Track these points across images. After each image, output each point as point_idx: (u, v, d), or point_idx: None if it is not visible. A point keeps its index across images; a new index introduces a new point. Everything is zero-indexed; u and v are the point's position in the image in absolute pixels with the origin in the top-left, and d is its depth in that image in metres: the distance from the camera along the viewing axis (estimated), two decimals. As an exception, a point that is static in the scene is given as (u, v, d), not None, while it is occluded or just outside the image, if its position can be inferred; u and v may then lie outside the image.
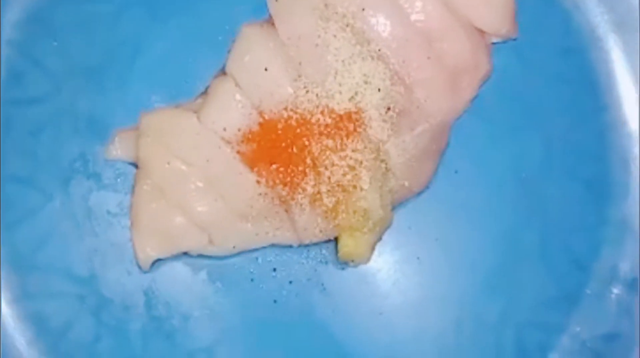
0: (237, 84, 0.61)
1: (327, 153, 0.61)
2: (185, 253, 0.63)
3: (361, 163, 0.61)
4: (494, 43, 0.65)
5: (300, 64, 0.61)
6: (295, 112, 0.61)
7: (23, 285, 0.63)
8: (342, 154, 0.61)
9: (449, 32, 0.62)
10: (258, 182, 0.61)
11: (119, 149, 0.64)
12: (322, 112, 0.61)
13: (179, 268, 0.64)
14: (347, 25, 0.61)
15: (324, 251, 0.64)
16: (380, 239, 0.64)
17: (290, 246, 0.64)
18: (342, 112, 0.61)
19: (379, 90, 0.61)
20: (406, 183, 0.63)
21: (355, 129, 0.61)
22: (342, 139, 0.61)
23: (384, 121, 0.61)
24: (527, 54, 0.67)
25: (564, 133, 0.67)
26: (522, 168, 0.66)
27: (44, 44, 0.65)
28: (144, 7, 0.66)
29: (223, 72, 0.63)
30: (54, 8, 0.66)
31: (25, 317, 0.63)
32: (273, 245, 0.64)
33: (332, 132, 0.61)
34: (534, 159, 0.66)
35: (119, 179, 0.65)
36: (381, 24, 0.61)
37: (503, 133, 0.66)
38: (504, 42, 0.66)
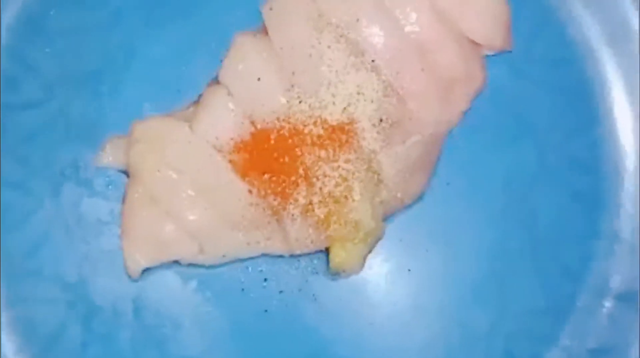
0: (229, 93, 0.61)
1: (320, 163, 0.60)
2: (175, 262, 0.63)
3: (353, 173, 0.61)
4: (488, 55, 0.65)
5: (293, 74, 0.60)
6: (288, 123, 0.61)
7: (13, 291, 0.63)
8: (334, 165, 0.60)
9: (443, 44, 0.62)
10: (250, 191, 0.61)
11: (110, 156, 0.64)
12: (314, 123, 0.61)
13: (169, 277, 0.64)
14: (341, 36, 0.61)
15: (315, 262, 0.64)
16: (371, 250, 0.63)
17: (282, 256, 0.63)
18: (334, 123, 0.61)
19: (372, 101, 0.61)
20: (398, 194, 0.63)
21: (347, 140, 0.61)
22: (334, 150, 0.60)
23: (377, 132, 0.61)
24: (520, 65, 0.67)
25: (557, 145, 0.66)
26: (515, 180, 0.66)
27: (38, 50, 0.65)
28: (138, 14, 0.66)
29: (216, 81, 0.62)
30: (48, 13, 0.65)
31: (15, 323, 0.62)
32: (264, 255, 0.63)
33: (325, 142, 0.60)
34: (526, 171, 0.66)
35: (110, 187, 0.64)
36: (375, 35, 0.60)
37: (496, 145, 0.66)
38: (498, 54, 0.66)
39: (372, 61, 0.61)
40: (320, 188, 0.60)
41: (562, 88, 0.67)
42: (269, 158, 0.60)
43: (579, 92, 0.67)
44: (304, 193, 0.61)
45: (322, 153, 0.60)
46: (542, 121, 0.66)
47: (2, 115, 0.64)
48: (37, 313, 0.62)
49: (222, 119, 0.61)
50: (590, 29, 0.67)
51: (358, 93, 0.61)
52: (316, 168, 0.60)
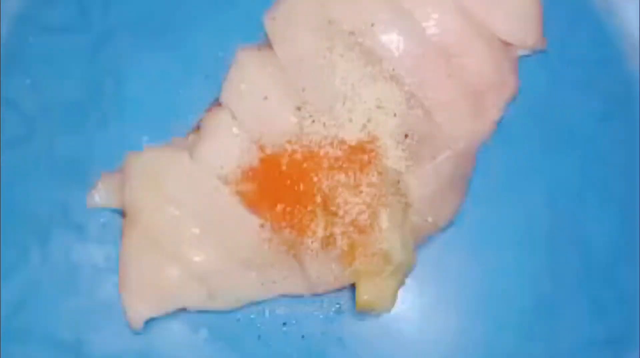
0: (233, 116, 0.59)
1: (339, 189, 0.58)
2: (182, 310, 0.60)
3: (378, 199, 0.58)
4: (519, 57, 0.62)
5: (303, 90, 0.58)
6: (301, 145, 0.58)
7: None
8: (356, 190, 0.58)
9: (470, 46, 0.59)
10: (262, 226, 0.58)
11: (103, 195, 0.62)
12: (331, 144, 0.58)
13: (177, 327, 0.61)
14: (355, 44, 0.58)
15: (339, 301, 0.61)
16: (403, 284, 0.60)
17: (302, 297, 0.61)
18: (353, 143, 0.58)
19: (395, 115, 0.58)
20: (429, 219, 0.60)
21: (369, 161, 0.58)
22: (355, 173, 0.58)
23: (402, 149, 0.59)
24: (556, 67, 0.64)
25: (600, 154, 0.63)
26: (559, 196, 0.63)
27: (16, 82, 0.63)
28: (126, 36, 0.64)
29: (218, 103, 0.60)
30: (25, 41, 0.63)
31: None
32: (282, 296, 0.60)
33: (344, 165, 0.58)
34: (569, 185, 0.63)
35: (104, 230, 0.62)
36: (393, 41, 0.58)
37: (534, 157, 0.63)
38: (531, 55, 0.63)
39: (392, 69, 0.58)
40: (342, 217, 0.58)
41: (604, 90, 0.64)
42: (282, 187, 0.58)
43: (623, 94, 0.64)
44: (323, 224, 0.58)
45: (342, 177, 0.58)
46: (583, 128, 0.64)
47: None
48: (27, 381, 0.59)
49: (227, 145, 0.59)
50: (632, 23, 0.64)
51: (378, 107, 0.58)
52: (335, 194, 0.58)
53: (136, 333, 0.60)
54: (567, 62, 0.64)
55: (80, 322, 0.60)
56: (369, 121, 0.58)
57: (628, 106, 0.64)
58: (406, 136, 0.58)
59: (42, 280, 0.60)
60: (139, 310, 0.59)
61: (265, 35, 0.60)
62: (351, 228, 0.58)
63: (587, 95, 0.64)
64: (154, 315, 0.59)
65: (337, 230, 0.58)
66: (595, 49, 0.64)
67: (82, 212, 0.62)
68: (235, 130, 0.58)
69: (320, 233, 0.58)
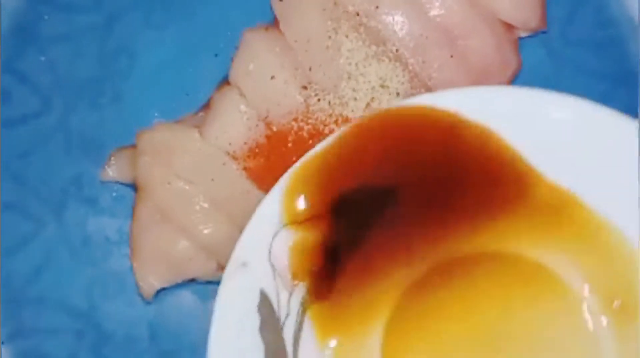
0: (241, 95, 0.58)
1: None
2: (192, 280, 0.60)
3: None
4: (521, 38, 0.62)
5: (310, 69, 0.58)
6: (307, 123, 0.58)
7: (17, 321, 0.60)
8: None
9: (473, 27, 0.58)
10: None
11: (115, 170, 0.62)
12: (336, 122, 0.58)
13: (186, 297, 0.61)
14: (360, 25, 0.58)
15: None
16: None
17: None
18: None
19: (398, 94, 0.58)
20: None
21: None
22: None
23: None
24: (558, 48, 0.63)
25: None
26: None
27: (31, 59, 0.63)
28: (138, 14, 0.63)
29: (226, 82, 0.60)
30: (40, 20, 0.63)
31: (21, 356, 0.59)
32: None
33: None
34: None
35: (117, 203, 0.62)
36: (397, 22, 0.57)
37: None
38: (532, 35, 0.62)
39: (396, 49, 0.58)
40: None
41: (605, 72, 0.63)
42: (288, 163, 0.56)
43: (625, 75, 0.63)
44: None
45: None
46: (584, 109, 0.62)
47: (-2, 130, 0.62)
48: (43, 345, 0.60)
49: (235, 122, 0.58)
50: (635, 4, 0.63)
51: (382, 86, 0.58)
52: None
53: (147, 303, 0.60)
54: (568, 43, 0.63)
55: (94, 291, 0.61)
56: (372, 99, 0.57)
57: (627, 88, 0.63)
58: (409, 114, 0.57)
59: (57, 250, 0.61)
60: (150, 280, 0.59)
61: (273, 16, 0.59)
62: (354, 204, 0.57)
63: (587, 76, 0.63)
64: (164, 285, 0.60)
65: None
66: (597, 31, 0.63)
67: (95, 186, 0.62)
68: (243, 108, 0.58)
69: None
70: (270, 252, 0.52)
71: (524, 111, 0.53)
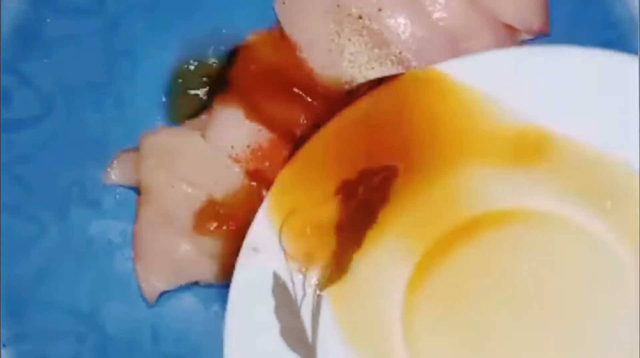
0: (244, 98, 0.59)
1: None
2: (195, 283, 0.60)
3: None
4: (523, 40, 0.61)
5: (312, 71, 0.58)
6: (309, 124, 0.57)
7: (18, 324, 0.59)
8: None
9: (476, 30, 0.58)
10: None
11: (118, 173, 0.62)
12: None
13: (189, 300, 0.61)
14: (363, 28, 0.58)
15: None
16: None
17: None
18: None
19: None
20: None
21: None
22: None
23: None
24: None
25: None
26: None
27: (34, 61, 0.62)
28: (140, 17, 0.63)
29: (229, 84, 0.60)
30: (42, 22, 0.63)
31: None
32: None
33: None
34: None
35: (120, 206, 0.62)
36: (400, 24, 0.58)
37: None
38: (535, 38, 0.62)
39: (399, 52, 0.58)
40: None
41: None
42: None
43: None
44: None
45: None
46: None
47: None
48: (44, 348, 0.59)
49: (237, 126, 0.58)
50: (637, 7, 0.62)
51: None
52: None
53: (150, 306, 0.60)
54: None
55: (96, 294, 0.60)
56: None
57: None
58: (412, 118, 0.57)
59: (60, 253, 0.60)
60: (153, 283, 0.59)
61: (276, 19, 0.59)
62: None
63: (591, 78, 0.62)
64: (167, 288, 0.60)
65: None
66: (599, 31, 0.62)
67: (98, 189, 0.62)
68: (246, 111, 0.58)
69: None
70: (281, 237, 0.52)
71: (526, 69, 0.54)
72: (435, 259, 0.52)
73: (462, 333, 0.52)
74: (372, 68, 0.57)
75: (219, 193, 0.58)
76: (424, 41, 0.58)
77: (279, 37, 0.59)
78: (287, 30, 0.58)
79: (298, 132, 0.57)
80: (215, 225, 0.58)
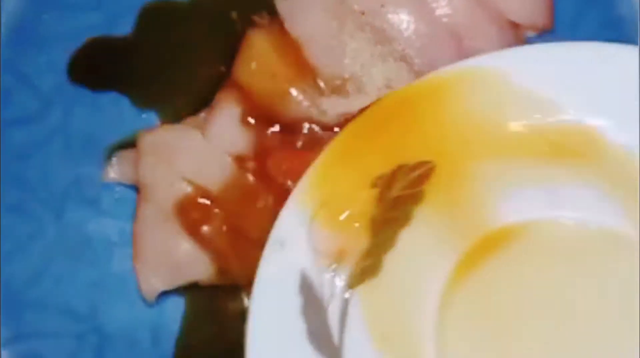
0: (244, 94, 0.58)
1: None
2: (194, 284, 0.60)
3: None
4: (528, 37, 0.61)
5: (313, 69, 0.58)
6: (311, 123, 0.58)
7: (17, 324, 0.59)
8: None
9: (480, 27, 0.58)
10: (270, 202, 0.58)
11: (117, 171, 0.61)
12: (340, 122, 0.57)
13: (188, 300, 0.61)
14: (366, 24, 0.58)
15: None
16: None
17: None
18: None
19: None
20: None
21: None
22: None
23: None
24: None
25: None
26: None
27: (32, 60, 0.62)
28: (138, 15, 0.63)
29: (229, 82, 0.60)
30: (40, 20, 0.62)
31: None
32: None
33: None
34: None
35: (118, 204, 0.61)
36: (403, 21, 0.57)
37: None
38: (539, 35, 0.61)
39: (402, 49, 0.58)
40: None
41: None
42: (291, 163, 0.57)
43: None
44: None
45: None
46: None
47: (-2, 131, 0.62)
48: (43, 349, 0.59)
49: (237, 123, 0.58)
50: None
51: (387, 86, 0.57)
52: None
53: (149, 305, 0.60)
54: None
55: (94, 293, 0.60)
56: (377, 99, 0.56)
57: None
58: (415, 115, 0.57)
59: (58, 252, 0.60)
60: (153, 282, 0.59)
61: (277, 14, 0.59)
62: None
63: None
64: (167, 287, 0.59)
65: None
66: (603, 30, 0.62)
67: (96, 187, 0.61)
68: (246, 108, 0.58)
69: (329, 209, 0.57)
70: (310, 231, 0.50)
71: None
72: (469, 264, 0.50)
73: (494, 342, 0.50)
74: (375, 65, 0.57)
75: (218, 190, 0.58)
76: (427, 38, 0.58)
77: (280, 33, 0.58)
78: (289, 26, 0.58)
79: (298, 130, 0.57)
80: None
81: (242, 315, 0.59)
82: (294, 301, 0.49)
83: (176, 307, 0.60)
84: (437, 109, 0.51)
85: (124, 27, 0.63)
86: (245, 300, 0.60)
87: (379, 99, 0.52)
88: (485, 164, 0.50)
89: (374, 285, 0.49)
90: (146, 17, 0.63)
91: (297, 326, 0.48)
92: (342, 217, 0.49)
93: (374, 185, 0.50)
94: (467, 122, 0.51)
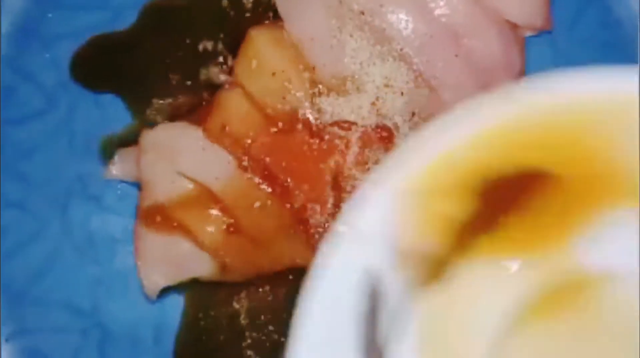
0: (245, 92, 0.58)
1: (348, 166, 0.57)
2: (196, 280, 0.59)
3: None
4: (526, 37, 0.61)
5: (313, 68, 0.57)
6: (310, 122, 0.57)
7: (19, 320, 0.59)
8: (365, 166, 0.57)
9: (478, 27, 0.58)
10: (271, 201, 0.57)
11: (120, 168, 0.61)
12: (339, 121, 0.57)
13: (190, 297, 0.61)
14: (365, 24, 0.57)
15: None
16: None
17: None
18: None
19: (402, 94, 0.57)
20: None
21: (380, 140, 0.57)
22: (363, 151, 0.57)
23: (409, 127, 0.57)
24: (563, 48, 0.63)
25: None
26: None
27: (35, 57, 0.62)
28: (141, 13, 0.63)
29: (230, 80, 0.60)
30: (44, 18, 0.63)
31: (23, 356, 0.59)
32: (290, 268, 0.59)
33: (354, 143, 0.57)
34: None
35: (121, 201, 0.62)
36: (402, 21, 0.57)
37: None
38: (537, 35, 0.62)
39: (400, 49, 0.57)
40: (350, 192, 0.57)
41: None
42: (291, 161, 0.57)
43: None
44: (332, 200, 0.57)
45: (351, 155, 0.57)
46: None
47: (0, 129, 0.61)
48: (45, 345, 0.59)
49: (238, 120, 0.58)
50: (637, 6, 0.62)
51: (386, 85, 0.57)
52: (344, 170, 0.57)
53: (151, 302, 0.60)
54: (573, 43, 0.62)
55: (97, 290, 0.60)
56: (377, 99, 0.57)
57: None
58: (413, 114, 0.57)
59: (61, 249, 0.60)
60: (154, 278, 0.59)
61: (278, 14, 0.59)
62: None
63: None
64: (168, 284, 0.59)
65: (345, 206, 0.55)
66: (602, 30, 0.63)
67: (99, 184, 0.61)
68: (247, 106, 0.58)
69: (329, 208, 0.57)
70: (390, 223, 0.41)
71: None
72: (540, 301, 0.41)
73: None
74: (374, 64, 0.57)
75: (219, 188, 0.58)
76: (425, 38, 0.57)
77: (281, 32, 0.58)
78: (289, 26, 0.58)
79: (297, 128, 0.57)
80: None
81: (241, 312, 0.60)
82: (353, 303, 0.41)
83: (178, 304, 0.61)
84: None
85: (128, 26, 0.63)
86: (245, 298, 0.60)
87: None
88: (592, 198, 0.42)
89: (433, 297, 0.41)
90: (148, 16, 0.63)
91: (351, 333, 0.41)
92: (433, 213, 0.41)
93: (477, 187, 0.42)
94: (604, 145, 0.42)
